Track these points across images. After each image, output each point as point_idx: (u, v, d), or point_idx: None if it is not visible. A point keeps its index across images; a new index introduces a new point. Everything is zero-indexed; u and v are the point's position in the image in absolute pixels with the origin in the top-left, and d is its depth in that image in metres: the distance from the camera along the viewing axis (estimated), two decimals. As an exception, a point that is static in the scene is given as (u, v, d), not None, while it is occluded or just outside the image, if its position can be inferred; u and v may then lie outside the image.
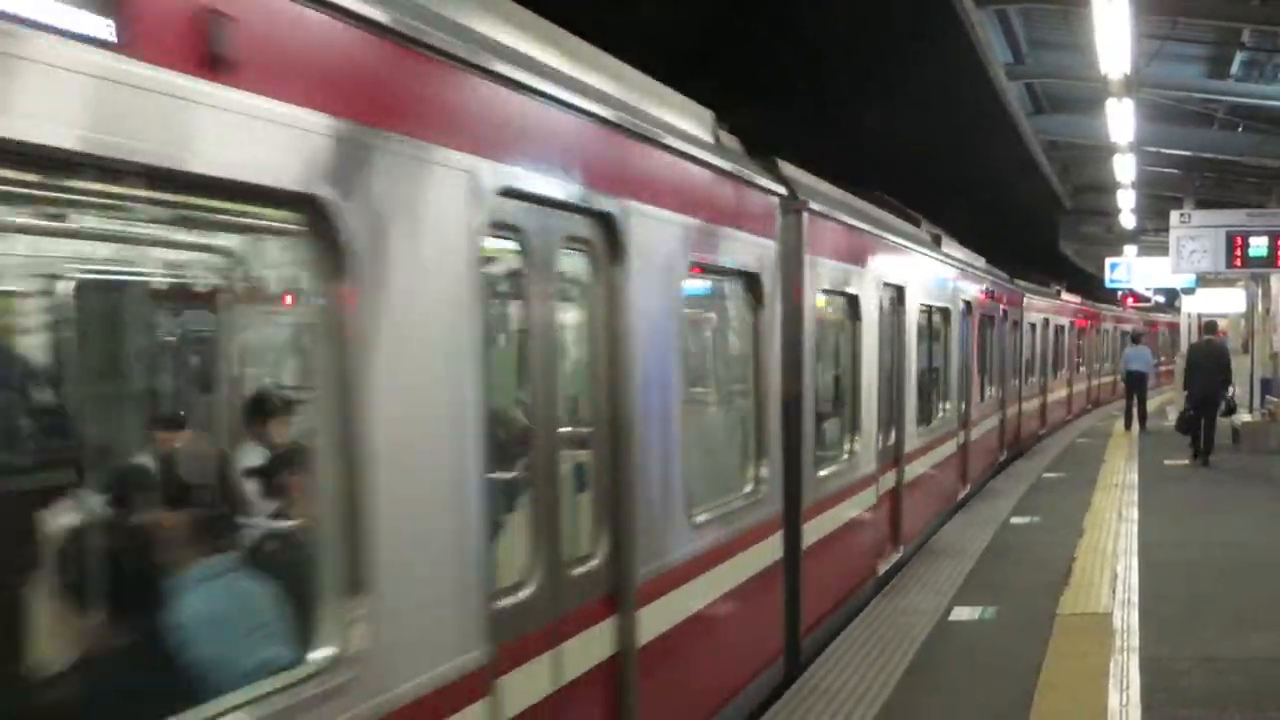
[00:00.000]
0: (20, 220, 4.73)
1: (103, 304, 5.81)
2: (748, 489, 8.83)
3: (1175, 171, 31.62)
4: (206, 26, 3.54)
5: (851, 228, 11.79)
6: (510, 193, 5.30)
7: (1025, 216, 49.38)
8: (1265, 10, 18.48)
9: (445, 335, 4.80)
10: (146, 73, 3.36)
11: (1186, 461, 22.58)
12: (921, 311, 15.39)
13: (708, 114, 8.42)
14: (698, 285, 8.43)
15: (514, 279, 5.72)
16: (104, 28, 3.21)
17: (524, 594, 5.55)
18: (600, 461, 6.46)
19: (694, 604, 7.46)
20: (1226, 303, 36.87)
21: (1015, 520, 16.71)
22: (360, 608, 4.21)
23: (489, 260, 5.25)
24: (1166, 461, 22.89)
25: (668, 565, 7.04)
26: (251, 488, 5.56)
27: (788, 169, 10.19)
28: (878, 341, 12.75)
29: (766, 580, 8.95)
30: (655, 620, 6.80)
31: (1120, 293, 49.00)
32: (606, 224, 6.34)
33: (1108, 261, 41.56)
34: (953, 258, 18.34)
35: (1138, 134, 23.07)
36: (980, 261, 21.38)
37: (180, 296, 6.07)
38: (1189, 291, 36.92)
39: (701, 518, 7.67)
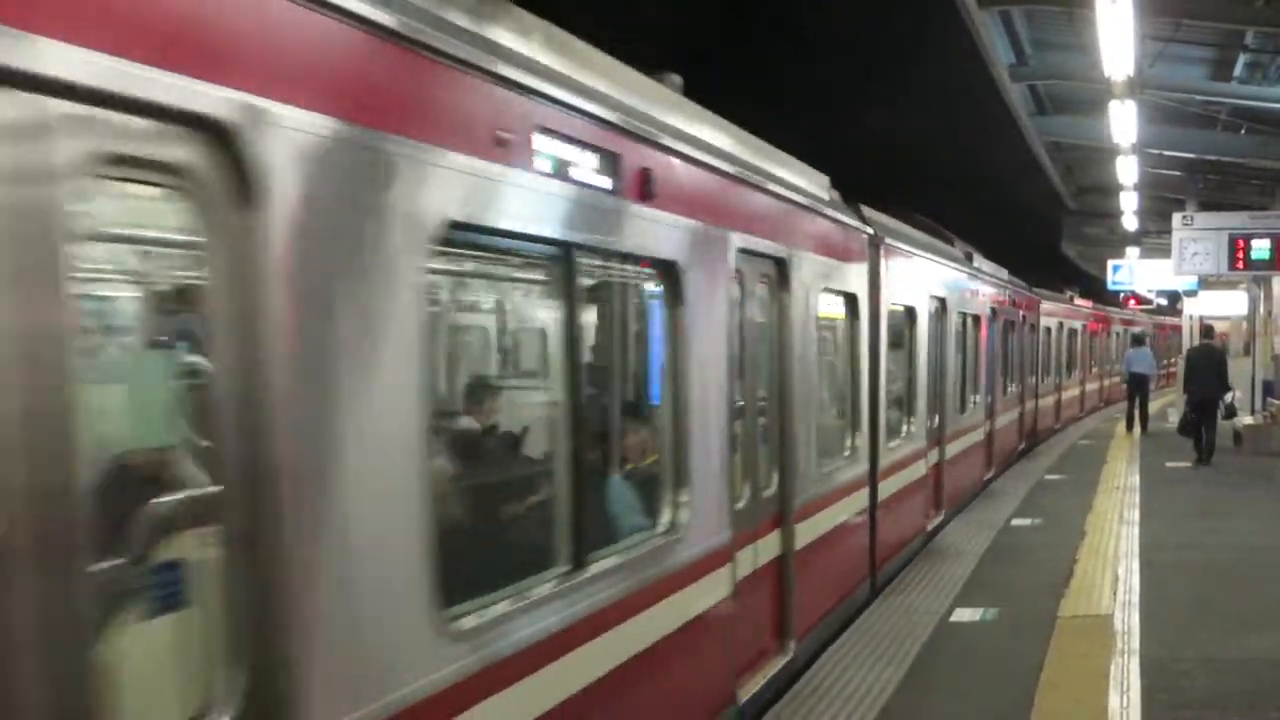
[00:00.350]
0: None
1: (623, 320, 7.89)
2: (847, 454, 11.67)
3: (1178, 173, 31.62)
4: (644, 177, 6.68)
5: (910, 254, 14.59)
6: (742, 249, 8.29)
7: (1028, 217, 49.44)
8: (1268, 12, 18.49)
9: (720, 341, 7.88)
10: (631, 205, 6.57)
11: (1189, 464, 22.63)
12: (958, 318, 18.00)
13: (825, 179, 11.45)
14: (825, 303, 10.94)
15: (739, 303, 8.39)
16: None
17: (741, 505, 8.37)
18: (772, 426, 9.29)
19: (821, 528, 10.28)
20: (1228, 305, 36.88)
21: (1017, 522, 16.71)
22: (682, 502, 7.20)
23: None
24: (1168, 464, 22.90)
25: (808, 499, 9.87)
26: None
27: (867, 211, 13.16)
28: (927, 344, 15.62)
29: (859, 521, 11.93)
30: (802, 535, 9.65)
31: (1122, 295, 49.01)
32: (779, 265, 9.29)
33: (1110, 263, 41.58)
34: (981, 271, 20.89)
35: (1140, 136, 23.07)
36: (1003, 273, 23.74)
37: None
38: (1191, 294, 36.93)
39: (825, 469, 10.54)
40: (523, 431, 7.23)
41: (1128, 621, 10.90)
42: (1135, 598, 11.79)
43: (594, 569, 6.01)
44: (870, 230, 12.59)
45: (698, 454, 7.40)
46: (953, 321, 17.32)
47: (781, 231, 9.32)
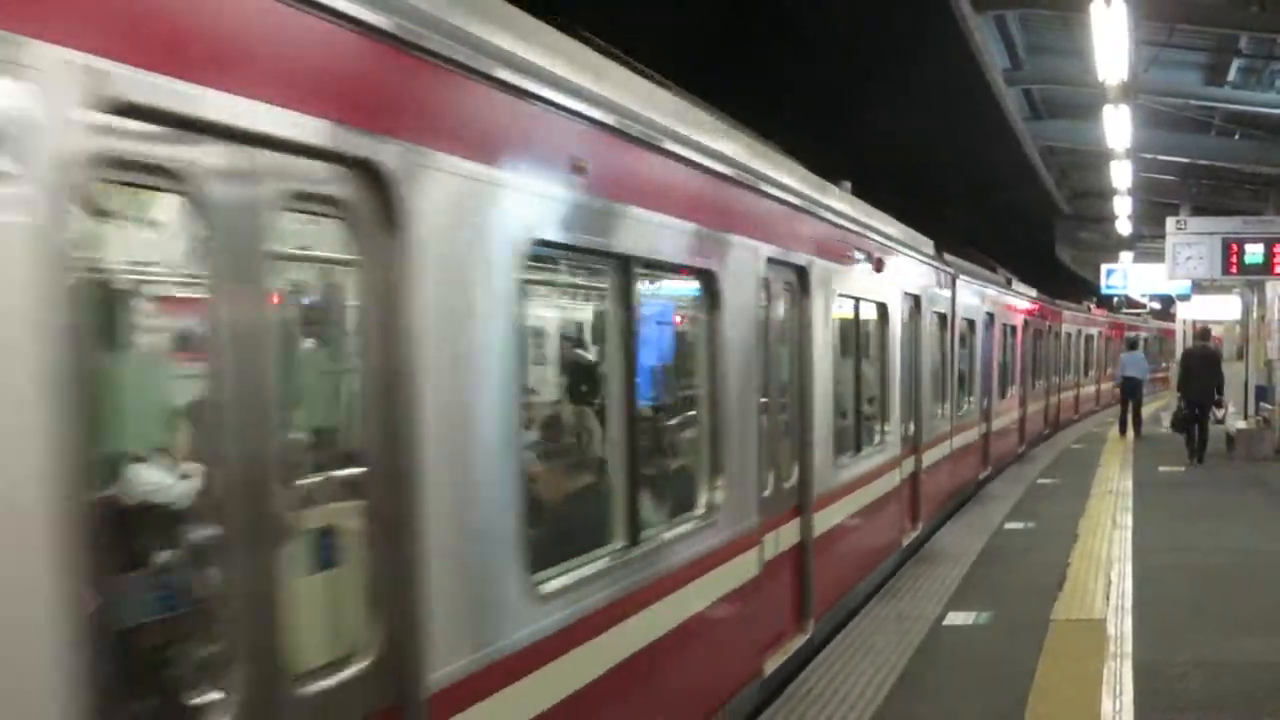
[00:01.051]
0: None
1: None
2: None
3: (1172, 178, 31.66)
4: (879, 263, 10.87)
5: (970, 282, 20.05)
6: (906, 293, 10.80)
7: (1022, 221, 49.48)
8: (1263, 17, 18.50)
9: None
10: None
11: (1182, 468, 22.71)
12: (1002, 329, 23.52)
13: (930, 241, 16.49)
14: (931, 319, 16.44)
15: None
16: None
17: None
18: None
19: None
20: (1222, 309, 36.91)
21: (1010, 525, 16.72)
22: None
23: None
24: (1161, 467, 22.93)
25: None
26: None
27: (947, 255, 18.21)
28: (980, 347, 20.86)
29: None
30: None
31: (1116, 298, 49.06)
32: (916, 300, 12.91)
33: (1104, 268, 41.60)
34: (1018, 292, 26.73)
35: (1135, 140, 23.09)
36: (1033, 292, 29.57)
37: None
38: (1185, 298, 36.99)
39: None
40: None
41: (1121, 625, 10.90)
42: (1128, 601, 11.80)
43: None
44: (951, 270, 18.16)
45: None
46: (998, 331, 23.02)
47: (917, 280, 15.30)
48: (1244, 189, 31.28)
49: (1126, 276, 41.04)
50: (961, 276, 18.84)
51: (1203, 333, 27.41)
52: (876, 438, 13.35)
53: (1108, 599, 11.95)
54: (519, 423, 5.41)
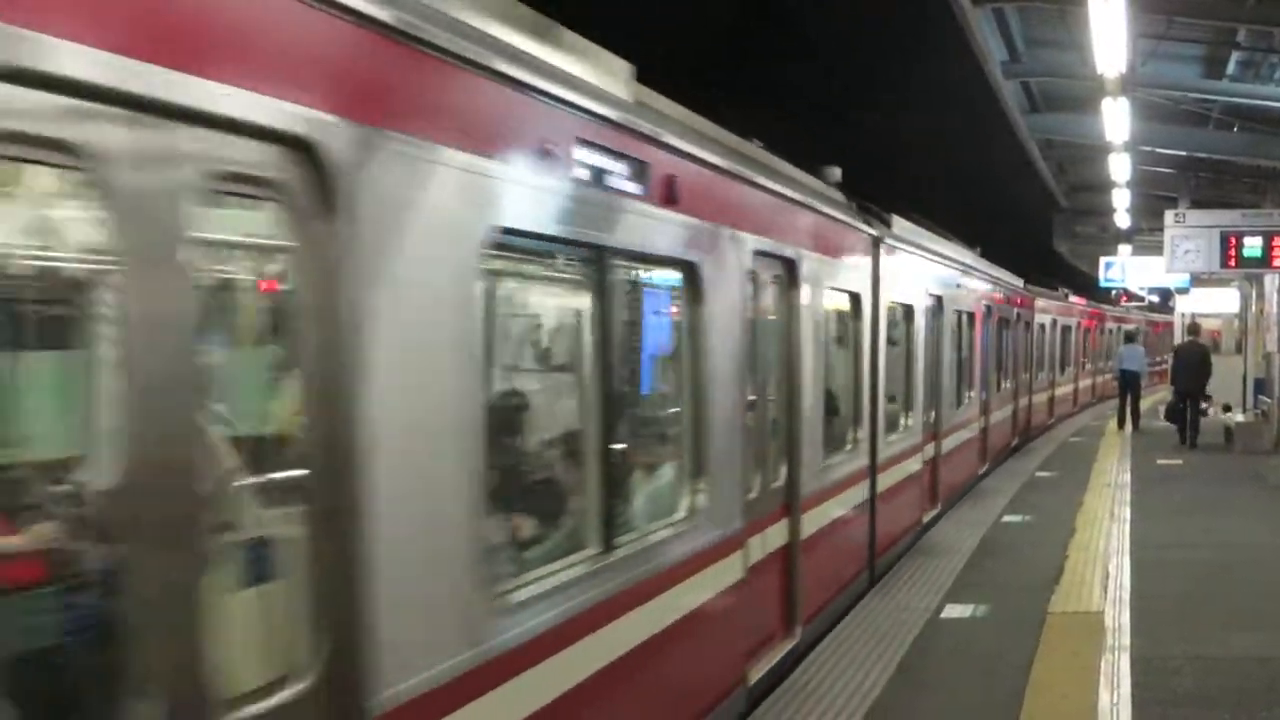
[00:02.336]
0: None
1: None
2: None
3: (1170, 171, 31.66)
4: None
5: (994, 279, 22.96)
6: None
7: (1020, 215, 49.46)
8: (1261, 10, 18.49)
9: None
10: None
11: (1181, 461, 22.76)
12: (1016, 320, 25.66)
13: (976, 249, 18.96)
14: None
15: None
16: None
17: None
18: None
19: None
20: (1220, 303, 36.90)
21: (1007, 519, 16.72)
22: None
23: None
24: (1159, 461, 22.95)
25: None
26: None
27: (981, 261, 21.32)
28: (988, 339, 21.65)
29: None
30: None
31: (1114, 292, 49.08)
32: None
33: (1102, 261, 41.58)
34: (1034, 291, 29.34)
35: (1133, 133, 23.10)
36: (1064, 294, 34.76)
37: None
38: (1183, 291, 36.99)
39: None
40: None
41: (1118, 618, 10.91)
42: (1125, 594, 11.81)
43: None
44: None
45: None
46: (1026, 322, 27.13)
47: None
48: (1242, 182, 31.27)
49: (1125, 270, 41.01)
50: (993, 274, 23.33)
51: (1192, 328, 29.28)
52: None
53: (1105, 592, 11.95)
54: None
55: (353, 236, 4.19)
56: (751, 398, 8.93)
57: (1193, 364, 25.96)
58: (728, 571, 8.13)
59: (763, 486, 9.20)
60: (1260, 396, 27.29)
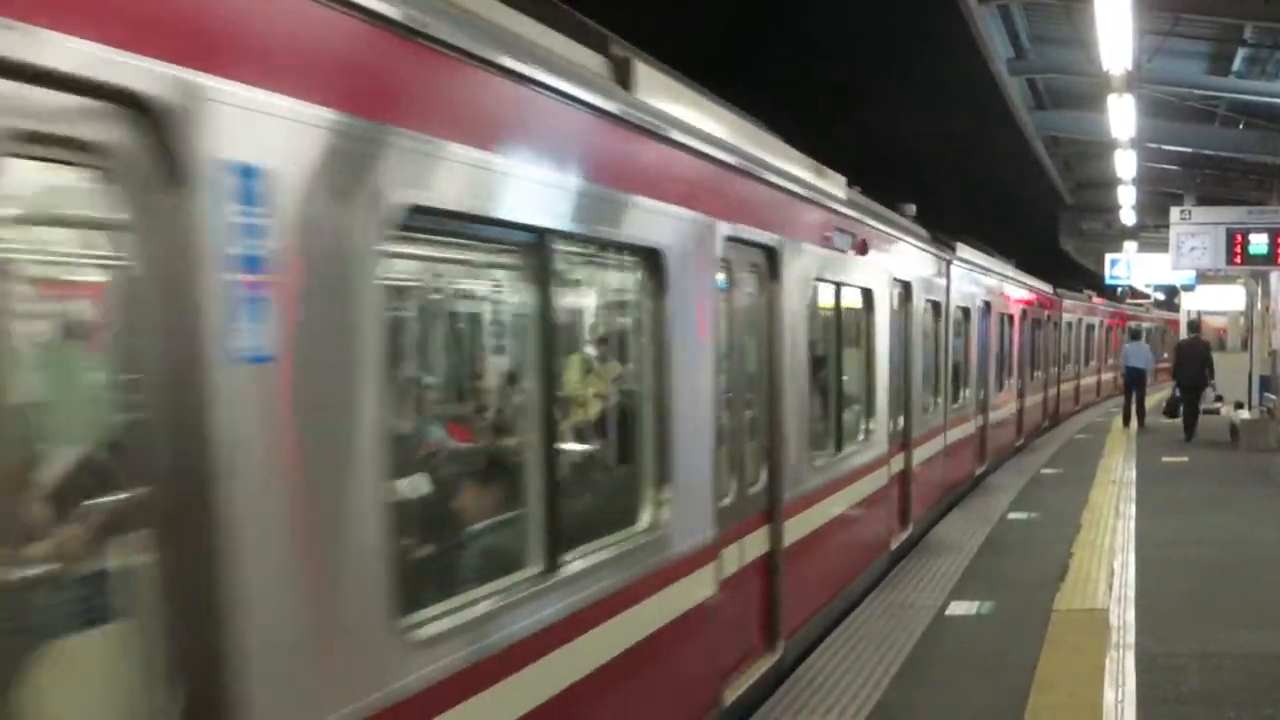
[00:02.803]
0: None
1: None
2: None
3: (1176, 168, 31.61)
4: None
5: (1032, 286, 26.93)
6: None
7: (1026, 212, 49.43)
8: (1267, 8, 18.46)
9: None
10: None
11: (1186, 458, 22.76)
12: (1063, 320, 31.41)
13: (1012, 261, 22.62)
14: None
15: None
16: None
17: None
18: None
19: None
20: (1226, 300, 36.86)
21: (1013, 515, 16.70)
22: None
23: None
24: (1164, 458, 22.93)
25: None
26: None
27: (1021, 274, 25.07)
28: (1024, 336, 25.54)
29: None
30: (793, 531, 9.44)
31: (1119, 289, 49.08)
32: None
33: (1108, 258, 41.53)
34: (1062, 294, 32.96)
35: (1139, 130, 23.07)
36: (1088, 295, 38.64)
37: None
38: (1189, 288, 36.96)
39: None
40: None
41: (1123, 616, 10.90)
42: (1131, 592, 11.79)
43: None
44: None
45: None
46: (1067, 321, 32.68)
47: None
48: (1248, 179, 31.22)
49: (1130, 267, 40.97)
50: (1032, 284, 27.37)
51: (1193, 325, 30.99)
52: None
53: (1110, 589, 11.94)
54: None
55: None
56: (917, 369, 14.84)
57: (1194, 360, 26.82)
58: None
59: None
60: (1266, 394, 27.27)
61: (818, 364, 10.77)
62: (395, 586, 4.37)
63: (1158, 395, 36.71)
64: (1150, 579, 12.37)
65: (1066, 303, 33.51)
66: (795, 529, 9.49)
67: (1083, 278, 49.70)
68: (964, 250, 18.72)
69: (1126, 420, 29.83)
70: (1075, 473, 21.09)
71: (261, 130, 3.78)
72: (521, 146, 5.39)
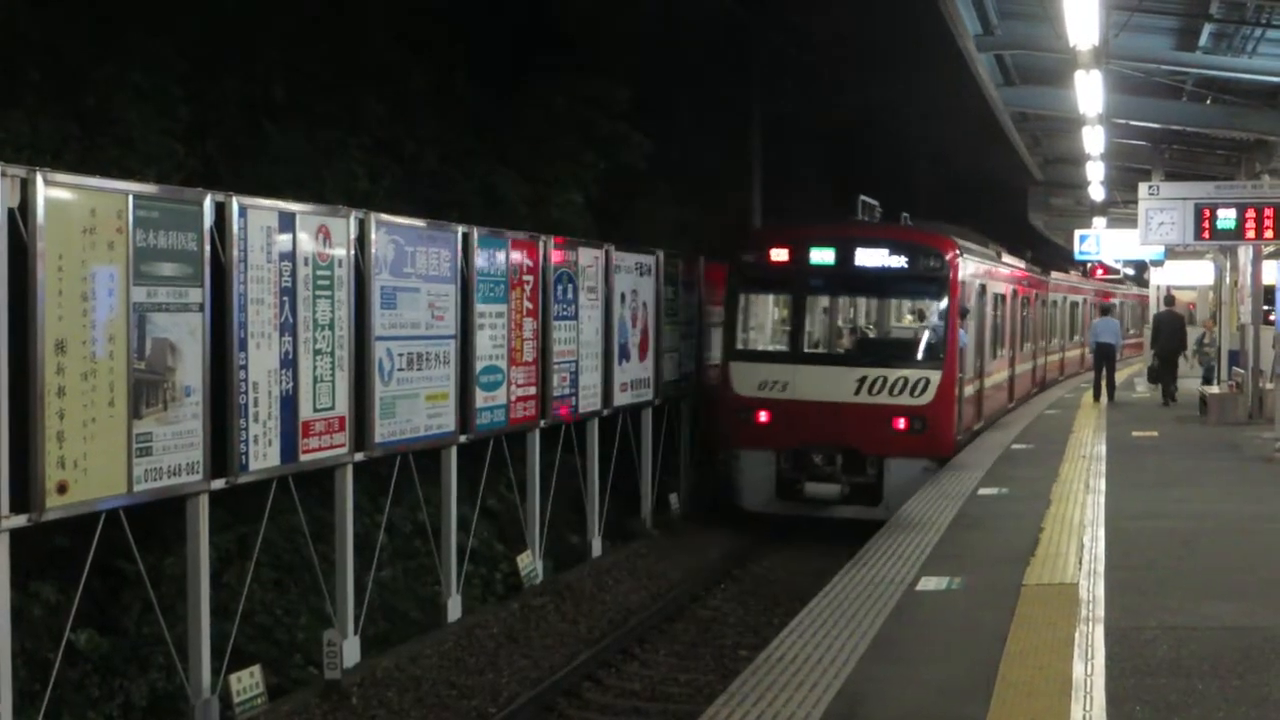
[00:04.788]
0: None
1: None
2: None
3: (1144, 144, 31.69)
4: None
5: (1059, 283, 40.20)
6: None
7: (995, 188, 49.50)
8: (1233, -18, 18.49)
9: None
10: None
11: (1156, 433, 22.89)
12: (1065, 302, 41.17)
13: (1037, 267, 38.24)
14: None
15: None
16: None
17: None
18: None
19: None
20: (1195, 275, 37.02)
21: (983, 491, 16.76)
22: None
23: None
24: (1134, 433, 23.04)
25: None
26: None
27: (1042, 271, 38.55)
28: (1056, 314, 38.37)
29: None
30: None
31: (1089, 264, 49.25)
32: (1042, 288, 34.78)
33: (1077, 234, 41.67)
34: (1056, 278, 40.16)
35: (1106, 106, 23.09)
36: (1078, 274, 49.24)
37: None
38: (1158, 263, 37.11)
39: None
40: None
41: (1093, 590, 10.95)
42: (1100, 566, 11.85)
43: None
44: (1044, 276, 36.56)
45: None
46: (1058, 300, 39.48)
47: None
48: (1215, 154, 31.32)
49: (1100, 242, 41.11)
50: (1052, 278, 38.66)
51: (1169, 299, 32.76)
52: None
53: (1080, 564, 12.00)
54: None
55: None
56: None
57: (1170, 331, 29.27)
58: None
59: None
60: (1234, 368, 27.42)
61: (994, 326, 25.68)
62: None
63: (1127, 370, 37.09)
64: (1120, 552, 12.43)
65: (1052, 281, 38.16)
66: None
67: (1056, 254, 49.95)
68: (1006, 256, 28.84)
69: (1097, 395, 29.96)
70: (1045, 448, 21.16)
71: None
72: (1008, 281, 26.60)
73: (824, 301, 22.75)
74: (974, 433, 23.13)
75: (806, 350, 21.70)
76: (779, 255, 21.28)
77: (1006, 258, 28.40)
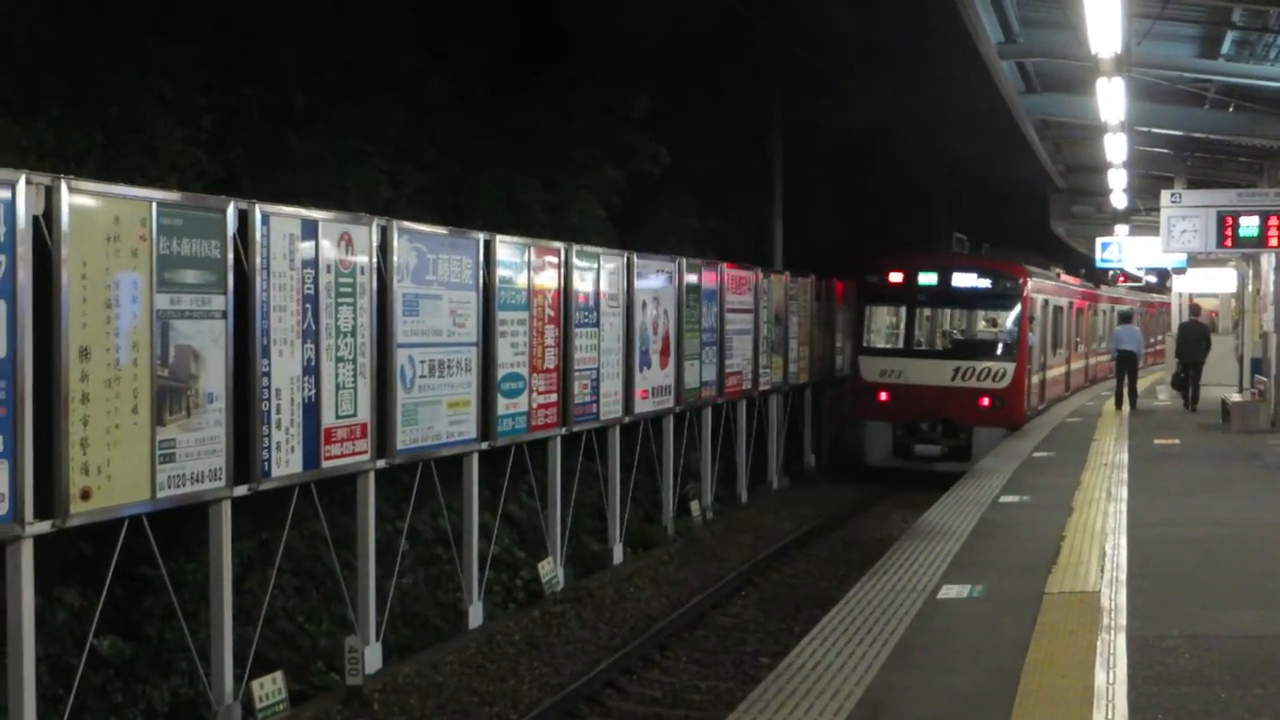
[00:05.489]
0: None
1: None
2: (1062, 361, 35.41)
3: (1166, 151, 31.57)
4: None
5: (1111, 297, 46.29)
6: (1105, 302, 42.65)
7: (1016, 196, 49.41)
8: (1256, -11, 18.42)
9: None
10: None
11: (1178, 440, 22.82)
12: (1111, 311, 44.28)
13: (1087, 284, 44.79)
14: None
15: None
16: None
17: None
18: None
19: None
20: (1217, 283, 36.95)
21: (1005, 499, 16.74)
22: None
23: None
24: (1156, 441, 22.97)
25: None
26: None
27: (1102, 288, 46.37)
28: (1100, 323, 42.26)
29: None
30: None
31: (1112, 272, 49.23)
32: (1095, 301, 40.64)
33: (1099, 241, 41.60)
34: (1107, 291, 46.02)
35: (1129, 113, 23.04)
36: (1125, 288, 53.43)
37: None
38: (1180, 271, 37.03)
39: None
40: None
41: (1115, 598, 10.93)
42: (1122, 574, 11.82)
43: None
44: (1098, 291, 43.24)
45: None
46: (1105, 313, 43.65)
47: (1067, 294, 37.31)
48: (1238, 162, 31.20)
49: (1122, 250, 41.04)
50: (1105, 292, 44.36)
51: (1194, 309, 33.39)
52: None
53: (1102, 572, 11.97)
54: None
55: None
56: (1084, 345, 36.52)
57: (1194, 339, 29.39)
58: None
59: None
60: (1257, 376, 27.33)
61: (1054, 331, 31.79)
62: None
63: (1149, 378, 37.11)
64: (1142, 561, 12.40)
65: (1104, 294, 44.72)
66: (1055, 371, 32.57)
67: (1077, 261, 49.96)
68: (1064, 276, 36.41)
69: (1119, 403, 29.88)
70: (1067, 456, 21.12)
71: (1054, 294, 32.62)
72: (1065, 295, 34.58)
73: (928, 312, 30.00)
74: (1038, 411, 29.79)
75: (915, 348, 29.01)
76: (895, 277, 28.71)
77: (1064, 277, 36.42)
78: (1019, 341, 27.86)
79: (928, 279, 28.54)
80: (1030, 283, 28.56)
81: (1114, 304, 45.08)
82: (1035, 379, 29.50)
